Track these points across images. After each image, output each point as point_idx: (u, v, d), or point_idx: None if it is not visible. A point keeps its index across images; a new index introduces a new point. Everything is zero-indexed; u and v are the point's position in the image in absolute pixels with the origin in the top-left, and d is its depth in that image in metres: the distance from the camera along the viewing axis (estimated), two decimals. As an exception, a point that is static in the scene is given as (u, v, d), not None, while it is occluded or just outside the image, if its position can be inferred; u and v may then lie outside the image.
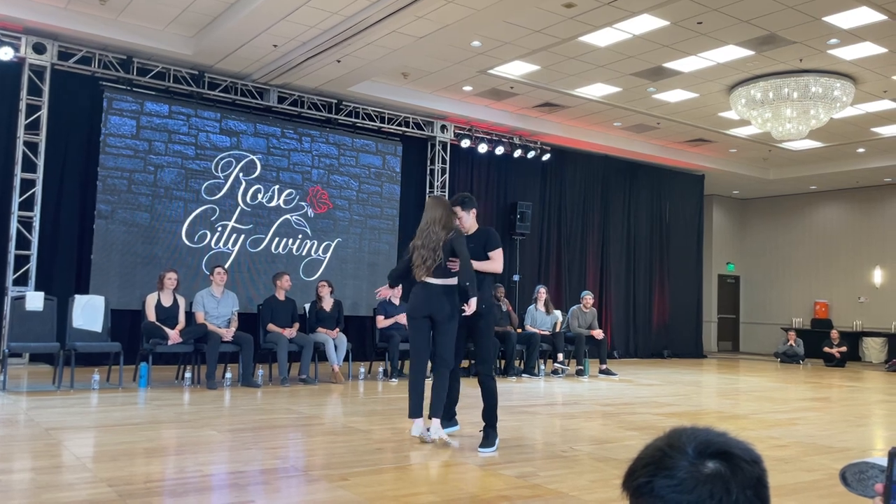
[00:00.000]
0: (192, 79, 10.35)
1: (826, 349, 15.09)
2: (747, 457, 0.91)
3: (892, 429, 7.19)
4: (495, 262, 5.34)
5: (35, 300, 7.71)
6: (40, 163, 9.25)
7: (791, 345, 15.43)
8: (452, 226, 5.15)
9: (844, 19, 8.65)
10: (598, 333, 11.10)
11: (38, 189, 9.23)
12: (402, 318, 9.71)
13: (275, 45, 9.38)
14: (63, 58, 9.48)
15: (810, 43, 9.42)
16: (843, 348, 15.03)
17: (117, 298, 9.24)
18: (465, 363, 8.68)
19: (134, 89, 10.00)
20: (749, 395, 9.43)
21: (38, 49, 9.26)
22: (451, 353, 5.13)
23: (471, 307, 5.00)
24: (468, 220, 5.42)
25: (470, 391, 6.05)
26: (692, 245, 16.68)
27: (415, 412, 5.10)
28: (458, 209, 5.38)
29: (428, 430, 5.08)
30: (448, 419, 5.36)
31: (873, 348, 16.40)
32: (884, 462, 1.01)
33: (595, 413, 7.13)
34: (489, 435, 5.00)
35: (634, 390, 9.28)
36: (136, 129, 9.98)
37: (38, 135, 9.26)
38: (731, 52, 9.82)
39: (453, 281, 5.10)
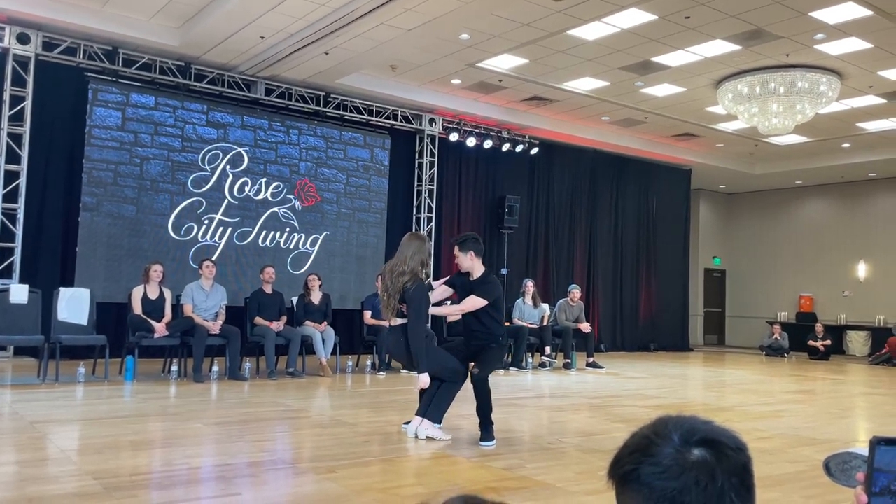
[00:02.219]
0: (179, 70, 10.27)
1: (810, 343, 15.20)
2: (732, 444, 0.92)
3: (874, 420, 7.27)
4: (469, 302, 5.08)
5: (19, 293, 7.64)
6: (24, 154, 9.16)
7: (776, 338, 15.54)
8: (418, 272, 4.88)
9: (831, 14, 8.71)
10: (586, 327, 11.14)
11: (23, 181, 9.15)
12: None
13: (262, 37, 9.32)
14: (47, 48, 9.38)
15: (797, 38, 9.47)
16: (828, 342, 15.14)
17: (103, 291, 9.17)
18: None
19: (119, 80, 9.91)
20: (734, 387, 9.50)
21: (23, 39, 9.16)
22: (447, 371, 5.02)
23: (421, 382, 4.85)
24: (465, 263, 5.12)
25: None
26: (679, 239, 16.76)
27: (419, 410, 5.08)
28: (455, 248, 5.16)
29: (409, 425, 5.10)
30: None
31: (857, 342, 16.54)
32: (866, 452, 1.02)
33: (582, 406, 7.16)
34: (487, 429, 4.95)
35: (621, 383, 9.33)
36: (121, 120, 9.90)
37: (22, 126, 9.17)
38: (718, 47, 9.86)
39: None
